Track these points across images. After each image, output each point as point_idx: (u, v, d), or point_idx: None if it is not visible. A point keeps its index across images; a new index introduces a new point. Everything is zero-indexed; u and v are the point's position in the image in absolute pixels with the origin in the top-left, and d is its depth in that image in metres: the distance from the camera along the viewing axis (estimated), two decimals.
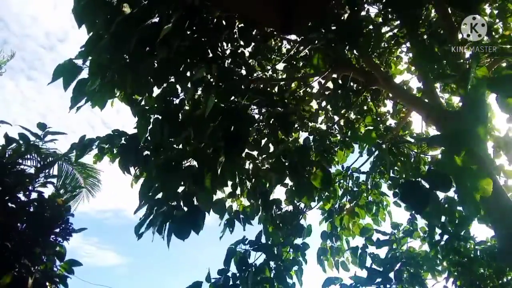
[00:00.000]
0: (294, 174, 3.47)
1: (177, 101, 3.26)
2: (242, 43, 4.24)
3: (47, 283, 4.36)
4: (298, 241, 5.23)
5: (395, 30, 6.03)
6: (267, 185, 4.41)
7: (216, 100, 2.78)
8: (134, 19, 2.70)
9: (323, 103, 6.65)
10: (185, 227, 2.96)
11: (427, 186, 2.07)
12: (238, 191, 5.11)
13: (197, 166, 2.93)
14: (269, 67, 5.90)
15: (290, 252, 5.15)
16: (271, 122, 3.82)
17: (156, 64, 3.03)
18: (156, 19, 2.97)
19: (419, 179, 2.11)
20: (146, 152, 3.55)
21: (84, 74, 2.97)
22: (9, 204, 4.21)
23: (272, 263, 4.74)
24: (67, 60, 2.87)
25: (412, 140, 6.51)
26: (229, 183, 5.02)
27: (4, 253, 4.14)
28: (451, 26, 4.21)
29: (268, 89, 5.46)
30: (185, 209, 3.05)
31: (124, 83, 2.88)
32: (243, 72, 4.15)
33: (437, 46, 4.33)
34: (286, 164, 3.56)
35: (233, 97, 3.06)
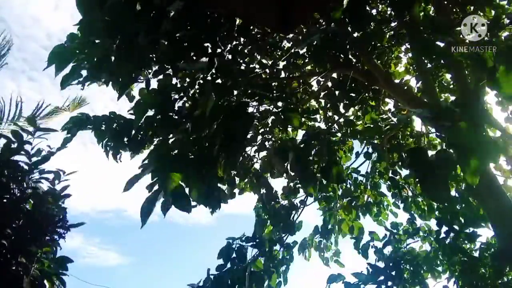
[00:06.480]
0: (297, 165, 3.39)
1: (175, 96, 3.22)
2: (241, 40, 4.21)
3: (45, 281, 4.32)
4: (290, 239, 5.29)
5: (395, 29, 6.00)
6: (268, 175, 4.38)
7: (215, 98, 2.70)
8: (129, 6, 2.64)
9: (322, 102, 6.63)
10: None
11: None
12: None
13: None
14: (269, 62, 5.84)
15: (280, 251, 5.17)
16: (271, 116, 3.77)
17: (154, 53, 2.99)
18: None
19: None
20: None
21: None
22: (4, 201, 4.17)
23: (262, 260, 4.76)
24: (59, 45, 2.82)
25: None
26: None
27: (0, 251, 4.09)
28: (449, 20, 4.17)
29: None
30: None
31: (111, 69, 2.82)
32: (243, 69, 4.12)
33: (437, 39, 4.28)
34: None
35: (232, 93, 3.00)
